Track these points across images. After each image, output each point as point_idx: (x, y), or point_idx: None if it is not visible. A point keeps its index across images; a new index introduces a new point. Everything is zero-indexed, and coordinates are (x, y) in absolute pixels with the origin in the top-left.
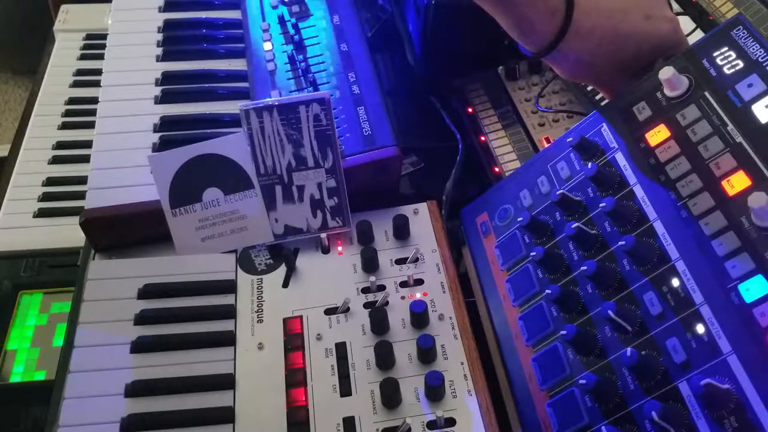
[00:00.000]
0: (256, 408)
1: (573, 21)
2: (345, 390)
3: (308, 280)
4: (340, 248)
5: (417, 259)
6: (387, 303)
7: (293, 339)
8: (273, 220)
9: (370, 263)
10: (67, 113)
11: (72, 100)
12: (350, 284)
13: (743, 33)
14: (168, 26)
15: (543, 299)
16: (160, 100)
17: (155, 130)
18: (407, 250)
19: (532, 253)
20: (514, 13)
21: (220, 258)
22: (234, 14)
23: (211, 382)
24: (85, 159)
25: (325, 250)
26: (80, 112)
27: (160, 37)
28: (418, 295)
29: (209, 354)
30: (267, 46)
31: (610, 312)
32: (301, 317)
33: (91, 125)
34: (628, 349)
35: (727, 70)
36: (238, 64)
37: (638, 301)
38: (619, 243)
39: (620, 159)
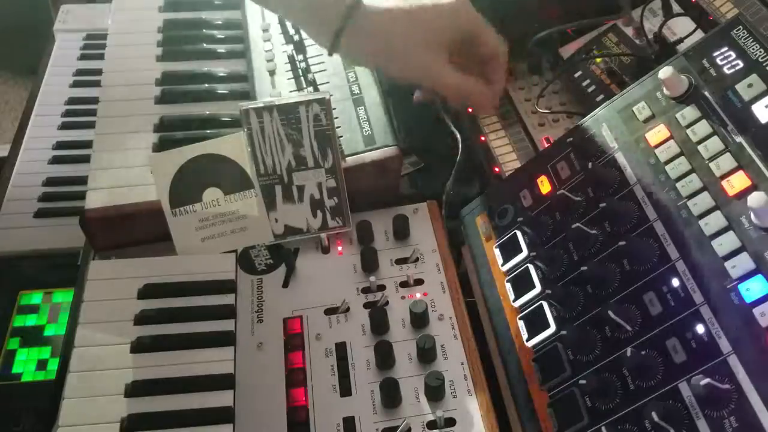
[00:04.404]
0: (256, 408)
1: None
2: (345, 390)
3: (308, 280)
4: (340, 248)
5: (417, 259)
6: (387, 303)
7: (293, 339)
8: (273, 220)
9: (370, 263)
10: (67, 113)
11: (72, 100)
12: (350, 284)
13: (743, 33)
14: (168, 26)
15: (543, 299)
16: (160, 100)
17: (155, 130)
18: (407, 250)
19: (532, 253)
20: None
21: (220, 258)
22: (234, 14)
23: (211, 382)
24: (85, 159)
25: (325, 250)
26: (80, 112)
27: (160, 37)
28: (418, 295)
29: (209, 354)
30: (267, 46)
31: (610, 312)
32: (301, 317)
33: (91, 125)
34: (628, 349)
35: (727, 70)
36: (238, 64)
37: (638, 301)
38: (619, 243)
39: (620, 159)
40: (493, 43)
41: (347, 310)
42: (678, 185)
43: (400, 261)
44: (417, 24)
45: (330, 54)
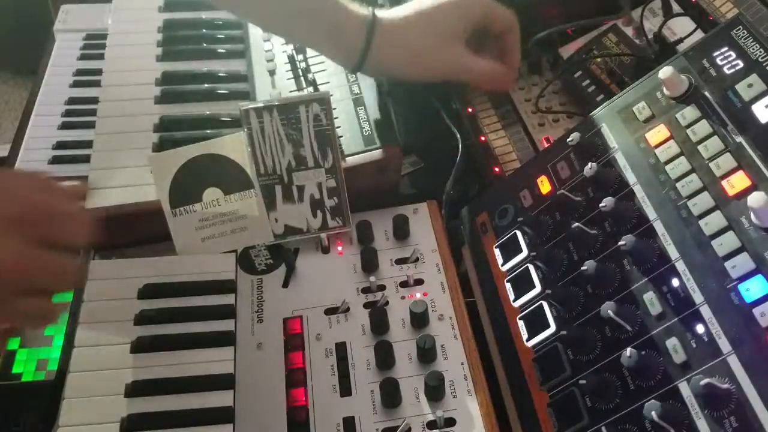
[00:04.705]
0: (256, 408)
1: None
2: (345, 390)
3: (308, 280)
4: (340, 248)
5: (417, 259)
6: (387, 303)
7: (293, 339)
8: (273, 220)
9: (370, 263)
10: (67, 113)
11: (72, 100)
12: (350, 284)
13: (743, 33)
14: (168, 26)
15: (543, 299)
16: (160, 100)
17: (155, 130)
18: (407, 250)
19: (532, 253)
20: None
21: (220, 258)
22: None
23: (211, 382)
24: (85, 159)
25: (325, 250)
26: (80, 112)
27: (160, 37)
28: (418, 295)
29: (209, 354)
30: (267, 46)
31: (610, 312)
32: (301, 317)
33: (91, 125)
34: (628, 349)
35: (727, 70)
36: (238, 64)
37: (638, 301)
38: (619, 243)
39: (620, 159)
40: (504, 17)
41: (347, 310)
42: (678, 185)
43: (400, 261)
44: (432, 24)
45: (353, 72)
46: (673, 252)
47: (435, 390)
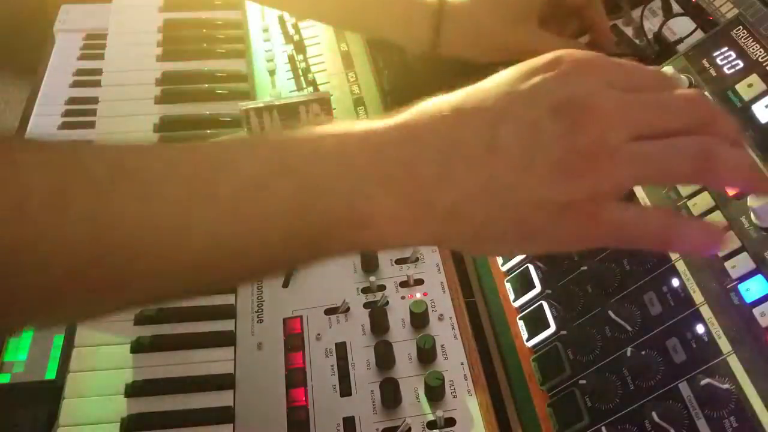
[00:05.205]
0: (256, 408)
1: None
2: (345, 390)
3: (308, 280)
4: None
5: (417, 259)
6: (387, 303)
7: (293, 339)
8: None
9: (369, 263)
10: (67, 113)
11: (72, 100)
12: (350, 284)
13: (743, 33)
14: (168, 26)
15: (543, 299)
16: (160, 100)
17: (155, 130)
18: (407, 249)
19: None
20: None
21: None
22: (234, 14)
23: (211, 382)
24: None
25: None
26: (80, 112)
27: (160, 37)
28: (418, 295)
29: (209, 354)
30: (267, 46)
31: (610, 312)
32: (301, 317)
33: (91, 125)
34: (628, 349)
35: (727, 70)
36: (238, 64)
37: (638, 301)
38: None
39: None
40: None
41: (347, 310)
42: (678, 185)
43: (400, 261)
44: (498, 4)
45: (430, 54)
46: (673, 252)
47: (435, 390)
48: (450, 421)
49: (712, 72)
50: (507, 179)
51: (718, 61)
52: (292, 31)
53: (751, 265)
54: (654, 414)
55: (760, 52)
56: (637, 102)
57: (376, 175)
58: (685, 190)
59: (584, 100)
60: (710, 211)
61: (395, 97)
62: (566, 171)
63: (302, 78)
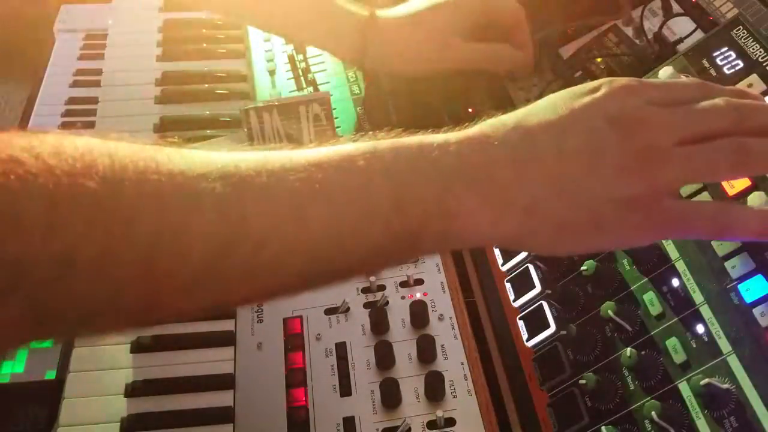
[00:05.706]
0: (256, 408)
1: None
2: (345, 390)
3: None
4: None
5: (417, 259)
6: (387, 303)
7: (293, 339)
8: None
9: None
10: (67, 113)
11: (72, 100)
12: (350, 284)
13: (743, 33)
14: (168, 26)
15: (543, 299)
16: (160, 100)
17: (155, 130)
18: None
19: (532, 253)
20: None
21: None
22: None
23: (211, 382)
24: None
25: None
26: (80, 112)
27: (160, 37)
28: (418, 295)
29: (209, 354)
30: (267, 46)
31: (610, 312)
32: (301, 317)
33: (91, 125)
34: (628, 349)
35: (727, 70)
36: (238, 64)
37: (638, 301)
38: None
39: None
40: (509, 9)
41: (347, 310)
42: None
43: None
44: (422, 21)
45: (360, 69)
46: (672, 252)
47: (435, 390)
48: (450, 421)
49: (712, 72)
50: (578, 179)
51: (718, 61)
52: None
53: (751, 265)
54: (654, 414)
55: (760, 52)
56: (675, 114)
57: (461, 178)
58: (684, 189)
59: (633, 113)
60: None
61: (395, 97)
62: (627, 170)
63: (302, 78)
